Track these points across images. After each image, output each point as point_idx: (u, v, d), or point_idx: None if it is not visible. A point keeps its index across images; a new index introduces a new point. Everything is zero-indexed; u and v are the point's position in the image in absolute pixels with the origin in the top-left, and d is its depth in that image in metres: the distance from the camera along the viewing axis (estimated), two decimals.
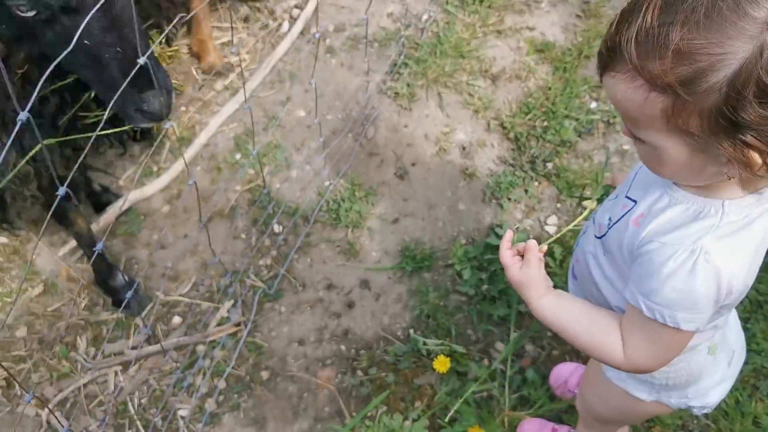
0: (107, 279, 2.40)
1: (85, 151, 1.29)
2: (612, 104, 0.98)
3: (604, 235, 1.29)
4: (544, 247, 1.33)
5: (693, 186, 1.11)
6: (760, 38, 0.87)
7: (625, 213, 1.22)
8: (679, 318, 1.10)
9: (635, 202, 1.22)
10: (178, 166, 2.73)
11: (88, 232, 2.35)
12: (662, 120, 0.96)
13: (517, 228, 2.58)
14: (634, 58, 0.93)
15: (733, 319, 1.44)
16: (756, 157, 0.93)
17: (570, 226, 1.59)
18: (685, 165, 1.03)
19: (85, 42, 1.43)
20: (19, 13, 1.40)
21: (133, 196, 2.63)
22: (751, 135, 0.91)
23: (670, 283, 1.08)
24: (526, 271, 1.31)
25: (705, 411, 1.47)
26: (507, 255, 1.34)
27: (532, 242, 1.33)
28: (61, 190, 0.81)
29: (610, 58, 0.98)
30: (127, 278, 2.42)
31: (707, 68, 0.89)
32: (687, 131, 0.95)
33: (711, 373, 1.39)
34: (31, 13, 1.41)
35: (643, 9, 0.92)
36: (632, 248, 1.17)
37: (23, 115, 0.96)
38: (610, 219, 1.28)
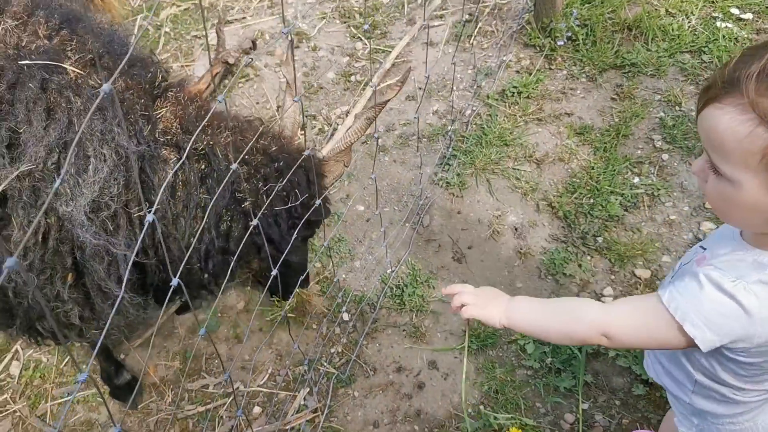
0: (114, 377, 2.58)
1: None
2: (704, 136, 1.11)
3: (675, 273, 1.41)
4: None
5: (757, 241, 1.19)
6: None
7: (695, 257, 1.34)
8: (688, 317, 1.17)
9: (705, 249, 1.33)
10: None
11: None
12: (757, 156, 1.03)
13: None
14: (752, 93, 1.00)
15: None
16: None
17: None
18: (755, 207, 1.09)
19: None
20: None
21: None
22: None
23: (705, 292, 1.16)
24: (481, 303, 1.48)
25: None
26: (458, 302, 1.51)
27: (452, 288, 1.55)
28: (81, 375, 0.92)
29: (724, 90, 1.05)
30: (130, 376, 2.60)
31: None
32: None
33: None
34: None
35: (766, 53, 1.02)
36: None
37: None
38: (682, 262, 1.41)
